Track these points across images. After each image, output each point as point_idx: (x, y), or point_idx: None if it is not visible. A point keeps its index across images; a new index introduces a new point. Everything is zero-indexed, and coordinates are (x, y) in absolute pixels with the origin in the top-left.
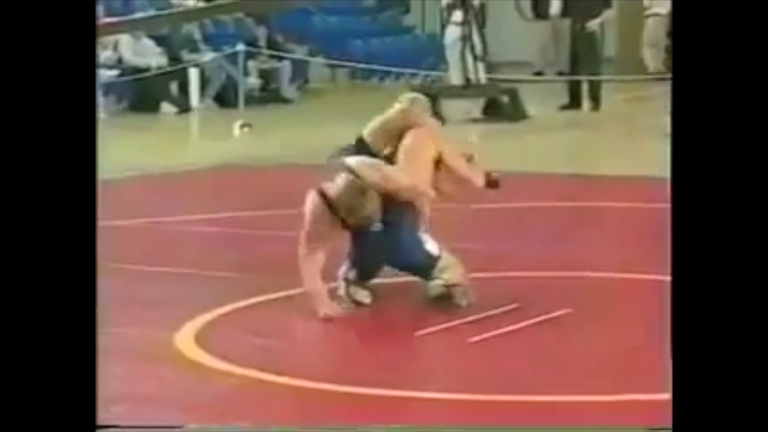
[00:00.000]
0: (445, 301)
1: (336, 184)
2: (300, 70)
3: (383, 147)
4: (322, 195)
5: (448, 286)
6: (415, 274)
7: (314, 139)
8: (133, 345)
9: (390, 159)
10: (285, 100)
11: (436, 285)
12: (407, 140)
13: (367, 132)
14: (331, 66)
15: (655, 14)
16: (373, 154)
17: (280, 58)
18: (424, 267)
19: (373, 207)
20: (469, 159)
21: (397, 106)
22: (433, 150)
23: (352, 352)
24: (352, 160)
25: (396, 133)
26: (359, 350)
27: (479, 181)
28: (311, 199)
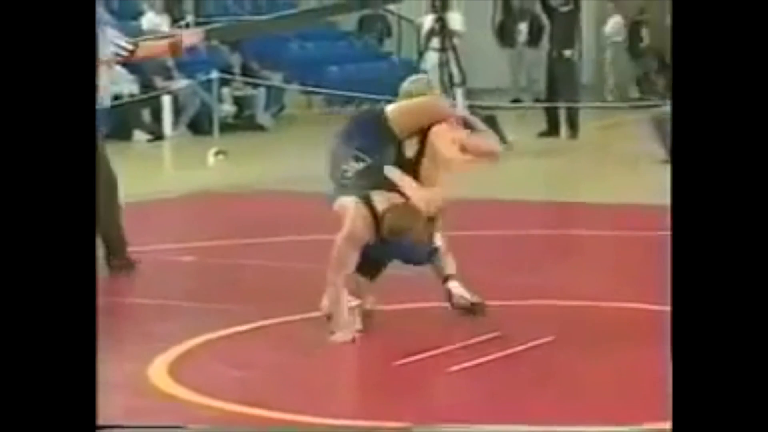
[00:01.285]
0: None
1: (383, 200)
2: (275, 97)
3: (405, 130)
4: (369, 205)
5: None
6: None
7: (290, 167)
8: (104, 377)
9: (417, 160)
10: (260, 128)
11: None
12: (435, 141)
13: (392, 110)
14: (307, 93)
15: (617, 42)
16: (391, 132)
17: (255, 85)
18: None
19: (422, 232)
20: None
21: (429, 97)
22: (456, 148)
23: (329, 382)
24: (397, 175)
25: (421, 122)
26: (337, 380)
27: (496, 147)
28: (355, 205)
